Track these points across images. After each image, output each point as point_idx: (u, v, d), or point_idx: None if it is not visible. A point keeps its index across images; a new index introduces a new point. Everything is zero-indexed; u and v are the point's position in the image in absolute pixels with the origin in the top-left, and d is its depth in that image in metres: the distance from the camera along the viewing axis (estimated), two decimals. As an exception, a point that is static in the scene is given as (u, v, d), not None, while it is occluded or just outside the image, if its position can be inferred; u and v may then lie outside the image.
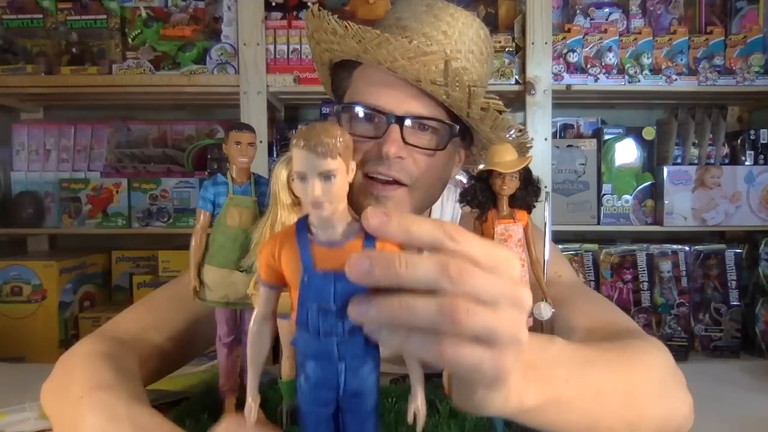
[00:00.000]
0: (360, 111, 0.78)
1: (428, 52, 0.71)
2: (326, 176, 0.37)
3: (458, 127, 0.79)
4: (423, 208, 0.84)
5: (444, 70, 0.70)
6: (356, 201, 0.77)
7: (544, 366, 0.49)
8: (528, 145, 0.75)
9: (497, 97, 0.73)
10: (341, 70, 0.85)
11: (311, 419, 0.41)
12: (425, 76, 0.72)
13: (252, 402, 0.45)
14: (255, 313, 0.44)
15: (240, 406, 0.66)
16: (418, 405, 0.41)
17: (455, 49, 0.78)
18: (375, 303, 0.36)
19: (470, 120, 0.77)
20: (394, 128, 0.76)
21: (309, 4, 1.71)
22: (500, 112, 0.73)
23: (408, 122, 0.76)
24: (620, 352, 0.62)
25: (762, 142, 1.77)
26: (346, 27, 0.73)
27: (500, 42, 1.67)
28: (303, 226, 0.39)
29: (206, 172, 1.78)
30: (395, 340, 0.37)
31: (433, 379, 0.84)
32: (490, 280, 0.37)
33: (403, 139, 0.76)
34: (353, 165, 0.39)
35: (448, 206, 0.94)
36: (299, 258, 0.38)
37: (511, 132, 0.76)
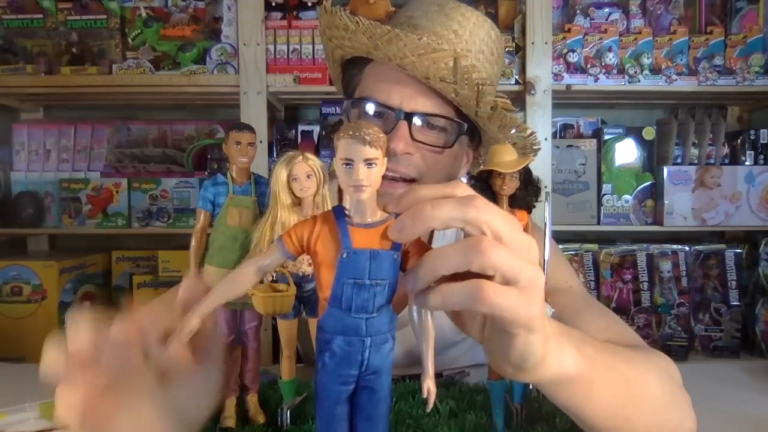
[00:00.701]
0: (368, 107, 0.79)
1: (438, 49, 0.71)
2: (369, 163, 0.41)
3: (466, 125, 0.79)
4: None
5: (453, 68, 0.70)
6: None
7: (574, 339, 0.50)
8: (535, 147, 0.75)
9: (505, 96, 0.73)
10: (352, 68, 0.85)
11: (331, 399, 0.43)
12: (434, 74, 0.72)
13: (192, 324, 0.44)
14: (258, 259, 0.45)
15: (240, 405, 0.66)
16: (429, 384, 0.43)
17: (465, 48, 0.78)
18: (417, 266, 0.41)
19: (478, 119, 0.77)
20: (403, 124, 0.76)
21: (309, 3, 1.71)
22: (507, 110, 0.73)
23: (416, 119, 0.77)
24: (636, 354, 0.62)
25: (762, 142, 1.77)
26: (357, 23, 0.73)
27: (500, 42, 1.67)
28: (341, 211, 0.43)
29: (206, 172, 1.78)
30: (440, 298, 0.41)
31: (433, 379, 0.84)
32: (507, 223, 0.41)
33: (411, 135, 0.76)
34: (385, 161, 0.43)
35: None
36: (339, 237, 0.42)
37: (519, 133, 0.76)
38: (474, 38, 0.79)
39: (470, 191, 0.42)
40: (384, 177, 0.74)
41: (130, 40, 1.75)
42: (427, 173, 0.78)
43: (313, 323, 0.56)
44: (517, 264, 0.40)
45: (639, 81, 1.68)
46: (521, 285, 0.40)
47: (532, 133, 0.76)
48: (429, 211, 0.40)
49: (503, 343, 0.44)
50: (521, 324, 0.42)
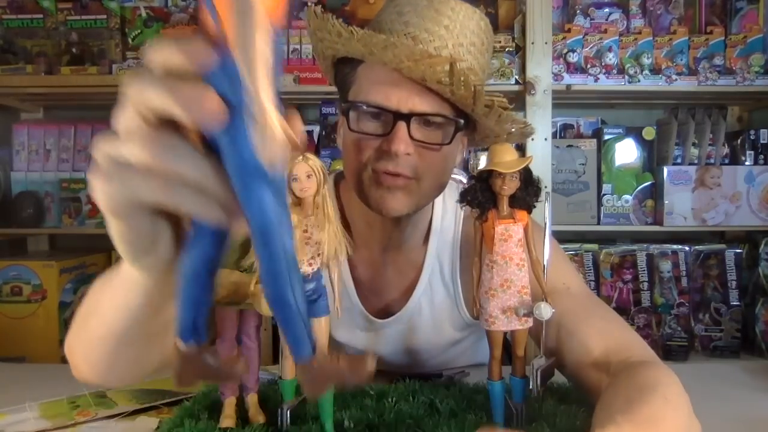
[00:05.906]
0: (366, 110, 0.79)
1: (434, 55, 0.72)
2: None
3: (463, 121, 0.80)
4: (432, 195, 0.87)
5: (449, 72, 0.71)
6: (367, 194, 0.80)
7: None
8: (530, 132, 0.80)
9: (501, 95, 0.75)
10: (345, 66, 0.85)
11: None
12: (431, 76, 0.72)
13: None
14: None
15: (240, 405, 0.66)
16: None
17: (457, 43, 0.79)
18: None
19: (474, 115, 0.78)
20: (401, 126, 0.77)
21: (309, 3, 1.71)
22: (504, 108, 0.75)
23: (414, 119, 0.77)
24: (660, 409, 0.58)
25: (762, 142, 1.77)
26: (351, 32, 0.74)
27: (500, 42, 1.67)
28: None
29: (206, 172, 1.78)
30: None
31: (432, 379, 0.84)
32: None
33: (410, 135, 0.77)
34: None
35: (450, 203, 0.95)
36: None
37: (516, 126, 0.79)
38: (465, 31, 0.80)
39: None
40: (387, 172, 0.76)
41: (130, 40, 1.75)
42: (427, 170, 0.80)
43: (314, 323, 0.56)
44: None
45: (639, 81, 1.68)
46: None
47: (526, 125, 0.80)
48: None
49: None
50: None
